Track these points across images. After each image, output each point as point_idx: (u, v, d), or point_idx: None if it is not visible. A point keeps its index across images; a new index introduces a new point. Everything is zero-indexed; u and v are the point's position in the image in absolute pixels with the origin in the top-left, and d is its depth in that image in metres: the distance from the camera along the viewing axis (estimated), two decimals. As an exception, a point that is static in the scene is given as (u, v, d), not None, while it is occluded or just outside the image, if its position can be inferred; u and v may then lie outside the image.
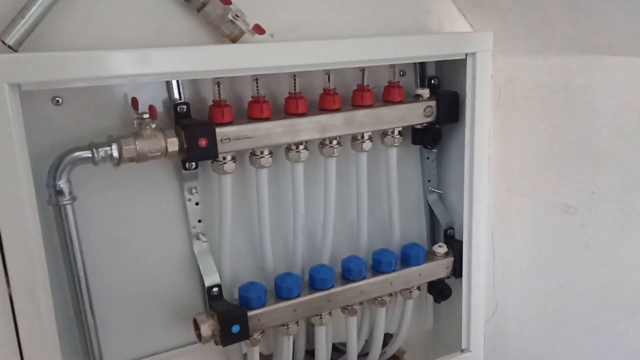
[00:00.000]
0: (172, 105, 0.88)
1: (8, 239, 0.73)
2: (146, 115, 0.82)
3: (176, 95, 0.88)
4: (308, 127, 0.94)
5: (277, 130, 0.91)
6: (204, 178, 0.94)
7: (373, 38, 0.93)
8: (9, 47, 0.74)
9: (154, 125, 0.83)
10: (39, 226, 0.75)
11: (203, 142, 0.85)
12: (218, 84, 0.88)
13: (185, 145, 0.84)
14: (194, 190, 0.93)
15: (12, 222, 0.72)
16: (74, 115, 0.83)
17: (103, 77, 0.75)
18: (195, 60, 0.79)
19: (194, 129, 0.85)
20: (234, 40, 0.88)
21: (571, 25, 1.01)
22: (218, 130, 0.86)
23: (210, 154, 0.86)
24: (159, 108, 0.88)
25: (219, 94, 0.88)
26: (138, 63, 0.76)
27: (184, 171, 0.91)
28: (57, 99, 0.82)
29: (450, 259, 1.10)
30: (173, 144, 0.84)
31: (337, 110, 0.97)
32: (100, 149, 0.80)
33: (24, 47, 0.75)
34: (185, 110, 0.88)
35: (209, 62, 0.80)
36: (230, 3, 0.85)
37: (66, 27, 0.80)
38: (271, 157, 0.94)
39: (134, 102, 0.84)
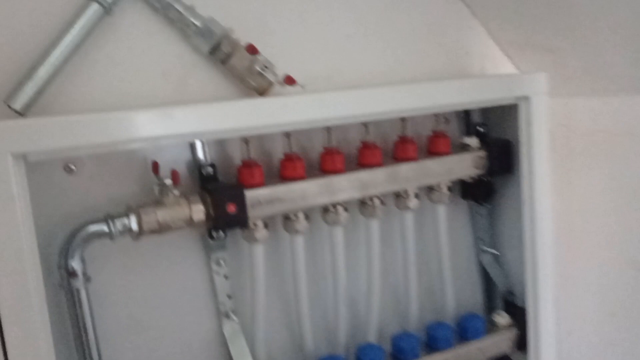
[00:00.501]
0: (196, 167, 0.79)
1: (10, 331, 0.63)
2: (168, 181, 0.73)
3: (201, 156, 0.79)
4: (347, 186, 0.84)
5: (313, 191, 0.82)
6: (232, 248, 0.84)
7: (415, 84, 0.84)
8: (16, 111, 0.66)
9: (177, 192, 0.74)
10: (46, 315, 0.65)
11: (232, 208, 0.75)
12: (246, 142, 0.79)
13: (212, 212, 0.74)
14: (222, 262, 0.83)
15: (16, 312, 0.62)
16: (88, 183, 0.75)
17: (120, 142, 0.66)
18: (221, 118, 0.71)
19: (222, 193, 0.75)
20: (262, 93, 0.79)
21: (631, 62, 0.91)
22: (248, 193, 0.76)
23: (240, 220, 0.76)
24: (182, 171, 0.79)
25: (248, 153, 0.79)
26: (158, 123, 0.67)
27: (210, 241, 0.81)
28: (70, 166, 0.73)
29: (514, 331, 0.96)
30: (198, 212, 0.74)
31: (378, 165, 0.87)
32: (117, 221, 0.70)
33: (32, 112, 0.68)
34: (211, 172, 0.79)
35: (237, 119, 0.72)
36: (257, 52, 0.77)
37: (78, 88, 0.72)
38: (307, 220, 0.83)
39: (155, 167, 0.75)
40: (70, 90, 0.72)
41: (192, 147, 0.79)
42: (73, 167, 0.74)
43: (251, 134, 0.79)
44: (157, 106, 0.73)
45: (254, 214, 0.77)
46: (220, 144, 0.82)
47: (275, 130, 0.80)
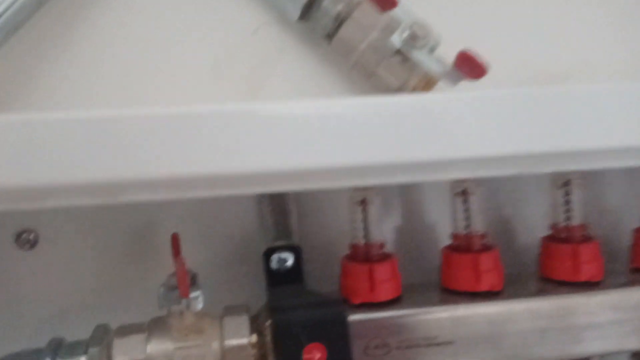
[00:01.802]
0: (263, 248, 0.38)
1: None
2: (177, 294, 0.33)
3: (272, 225, 0.39)
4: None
5: (527, 325, 0.34)
6: None
7: None
8: None
9: (196, 308, 0.33)
10: None
11: (316, 356, 0.32)
12: (363, 205, 0.36)
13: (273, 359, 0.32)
14: None
15: None
16: (51, 266, 0.39)
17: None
18: (333, 143, 0.28)
19: (294, 320, 0.32)
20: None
21: None
22: (355, 319, 0.33)
23: None
24: (236, 239, 0.40)
25: (366, 229, 0.36)
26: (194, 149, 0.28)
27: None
28: (28, 235, 0.39)
29: None
30: (239, 352, 0.33)
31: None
32: None
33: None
34: (289, 265, 0.37)
35: (374, 148, 0.28)
36: (394, 5, 0.35)
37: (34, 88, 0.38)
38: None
39: (175, 244, 0.36)
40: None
41: (260, 200, 0.39)
42: (31, 237, 0.39)
43: (390, 182, 0.36)
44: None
45: (373, 372, 0.33)
46: (312, 198, 0.41)
47: (455, 175, 0.34)
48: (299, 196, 0.39)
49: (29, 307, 0.38)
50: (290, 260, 0.38)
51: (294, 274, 0.38)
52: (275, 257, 0.38)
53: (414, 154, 0.28)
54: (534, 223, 0.40)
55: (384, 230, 0.38)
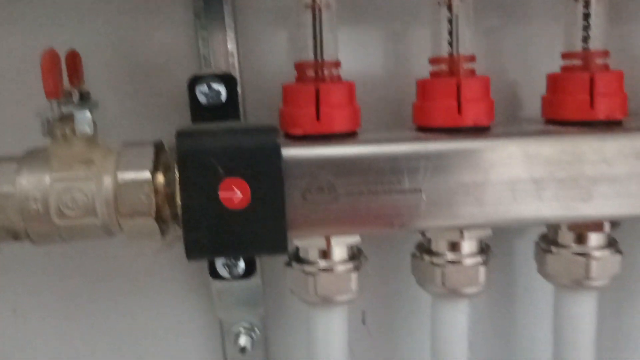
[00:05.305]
0: (189, 79, 0.30)
1: None
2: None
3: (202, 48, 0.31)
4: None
5: (520, 173, 0.26)
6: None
7: None
8: None
9: (81, 133, 0.25)
10: None
11: (235, 194, 0.24)
12: (314, 7, 0.27)
13: (180, 202, 0.24)
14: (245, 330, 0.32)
15: None
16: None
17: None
18: None
19: (206, 150, 0.24)
20: None
21: None
22: (291, 154, 0.25)
23: (268, 235, 0.25)
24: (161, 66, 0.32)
25: (315, 39, 0.27)
26: None
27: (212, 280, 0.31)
28: None
29: None
30: (136, 189, 0.25)
31: None
32: None
33: None
34: (222, 100, 0.29)
35: None
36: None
37: None
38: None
39: (72, 64, 0.27)
40: None
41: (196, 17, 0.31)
42: None
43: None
44: None
45: (315, 218, 0.25)
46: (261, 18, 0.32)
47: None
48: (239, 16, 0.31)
49: None
50: (223, 94, 0.30)
51: (228, 112, 0.30)
52: (202, 88, 0.29)
53: None
54: (541, 54, 0.32)
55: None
